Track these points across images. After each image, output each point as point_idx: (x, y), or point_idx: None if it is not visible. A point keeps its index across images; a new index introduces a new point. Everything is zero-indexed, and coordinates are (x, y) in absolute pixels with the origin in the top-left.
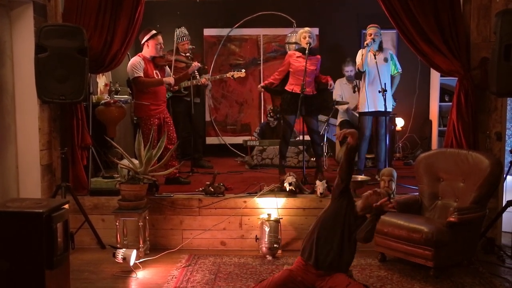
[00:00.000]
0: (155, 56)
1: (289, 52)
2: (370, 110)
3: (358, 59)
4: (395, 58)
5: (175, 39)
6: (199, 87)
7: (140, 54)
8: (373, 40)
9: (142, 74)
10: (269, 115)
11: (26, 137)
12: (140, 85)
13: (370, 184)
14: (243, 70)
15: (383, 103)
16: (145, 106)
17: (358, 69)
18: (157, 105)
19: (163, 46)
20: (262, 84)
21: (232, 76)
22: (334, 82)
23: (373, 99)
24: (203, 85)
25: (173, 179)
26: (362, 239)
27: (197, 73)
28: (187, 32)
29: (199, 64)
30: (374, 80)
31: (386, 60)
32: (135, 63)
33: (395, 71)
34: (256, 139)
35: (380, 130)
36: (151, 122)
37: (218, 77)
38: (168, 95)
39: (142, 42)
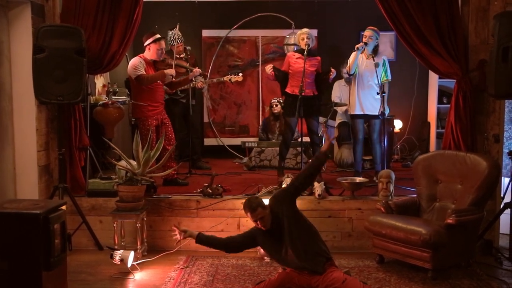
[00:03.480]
0: (156, 60)
1: (288, 53)
2: (359, 113)
3: (350, 60)
4: (387, 65)
5: (167, 42)
6: (194, 89)
7: (141, 55)
8: (365, 43)
9: (144, 72)
10: (272, 100)
11: (24, 138)
12: (144, 82)
13: (368, 186)
14: (241, 74)
15: (373, 106)
16: (143, 107)
17: (347, 71)
18: (155, 106)
19: (164, 51)
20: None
21: (230, 80)
22: (333, 84)
23: (362, 102)
24: (198, 88)
25: (171, 181)
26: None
27: (200, 77)
28: (180, 34)
29: (200, 70)
30: (363, 83)
31: (377, 65)
32: (136, 63)
33: (385, 78)
34: (262, 135)
35: (372, 135)
36: (149, 123)
37: (215, 80)
38: (164, 98)
39: (145, 45)
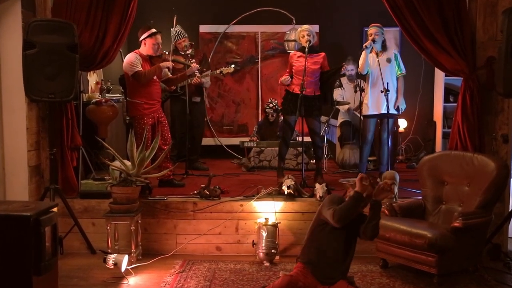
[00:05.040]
0: (152, 56)
1: (290, 54)
2: (373, 112)
3: (361, 61)
4: (399, 58)
5: (172, 39)
6: (198, 86)
7: (137, 50)
8: (373, 41)
9: (141, 68)
10: (267, 107)
11: (13, 137)
12: (142, 78)
13: None
14: (232, 66)
15: (386, 104)
16: (139, 105)
17: (359, 72)
18: (151, 104)
19: (160, 46)
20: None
21: (221, 72)
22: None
23: (376, 101)
24: (195, 84)
25: (167, 182)
26: (370, 237)
27: (197, 73)
28: (182, 30)
29: (197, 66)
30: (377, 81)
31: (389, 60)
32: (132, 59)
33: (399, 72)
34: (256, 137)
35: (383, 133)
36: (145, 122)
37: (209, 73)
38: (166, 96)
39: (140, 39)
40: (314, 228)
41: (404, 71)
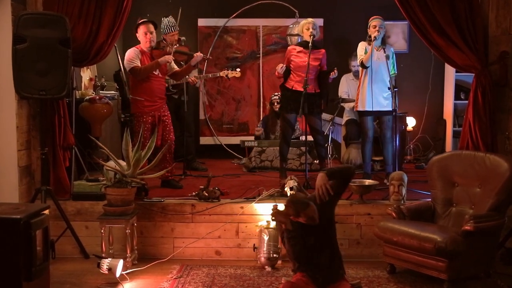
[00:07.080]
0: (153, 48)
1: (288, 48)
2: (370, 109)
3: (361, 52)
4: (394, 57)
5: (161, 30)
6: (187, 84)
7: (137, 46)
8: (379, 32)
9: (139, 64)
10: (274, 95)
11: (3, 136)
12: (138, 73)
13: (379, 189)
14: (238, 70)
15: (385, 102)
16: (139, 102)
17: (362, 64)
18: (152, 102)
19: (153, 35)
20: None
21: (226, 75)
22: (340, 78)
23: (374, 98)
24: (191, 83)
25: (167, 182)
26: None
27: (195, 76)
28: (175, 22)
29: (201, 55)
30: (375, 76)
31: (388, 57)
32: (131, 55)
33: (392, 72)
34: (262, 129)
35: (385, 133)
36: (144, 120)
37: (210, 75)
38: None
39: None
40: (284, 239)
41: (396, 72)
